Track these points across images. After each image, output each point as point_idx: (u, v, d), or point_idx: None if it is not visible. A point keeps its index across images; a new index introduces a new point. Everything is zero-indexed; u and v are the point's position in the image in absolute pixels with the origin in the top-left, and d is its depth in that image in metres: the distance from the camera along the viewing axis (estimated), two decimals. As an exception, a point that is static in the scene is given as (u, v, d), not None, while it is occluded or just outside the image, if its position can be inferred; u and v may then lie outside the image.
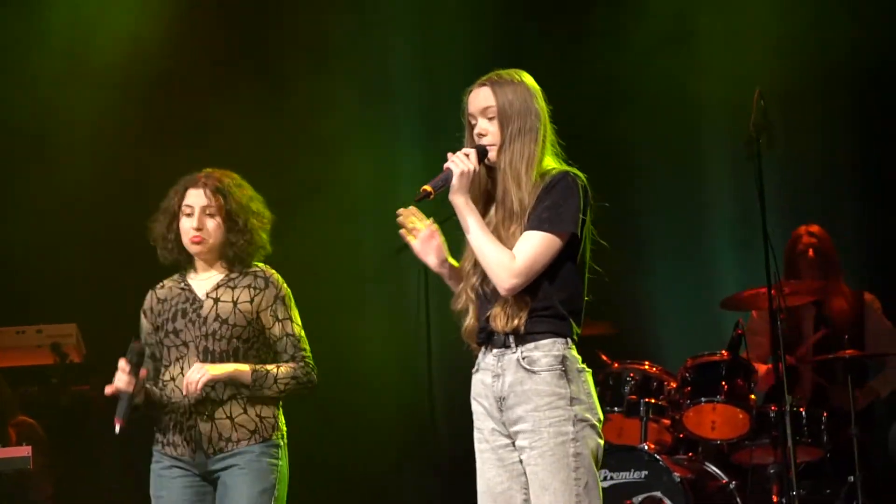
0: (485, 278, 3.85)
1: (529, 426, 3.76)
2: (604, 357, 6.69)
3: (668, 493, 6.04)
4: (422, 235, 3.96)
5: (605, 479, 6.16)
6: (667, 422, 6.47)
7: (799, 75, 7.56)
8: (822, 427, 6.31)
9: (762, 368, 6.48)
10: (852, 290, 6.85)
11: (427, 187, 3.82)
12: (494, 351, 3.84)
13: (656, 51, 7.76)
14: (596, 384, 6.44)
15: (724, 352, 6.40)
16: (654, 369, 6.54)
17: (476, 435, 3.90)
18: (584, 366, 3.84)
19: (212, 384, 4.41)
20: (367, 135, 7.83)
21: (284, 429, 4.57)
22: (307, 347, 4.60)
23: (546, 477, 3.75)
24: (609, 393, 6.51)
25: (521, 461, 3.81)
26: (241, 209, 4.59)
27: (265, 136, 7.64)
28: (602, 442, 3.83)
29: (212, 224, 4.56)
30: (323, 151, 7.66)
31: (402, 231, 3.97)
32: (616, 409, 6.46)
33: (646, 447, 6.21)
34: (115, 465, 6.97)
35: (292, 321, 4.58)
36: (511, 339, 3.80)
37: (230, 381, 4.44)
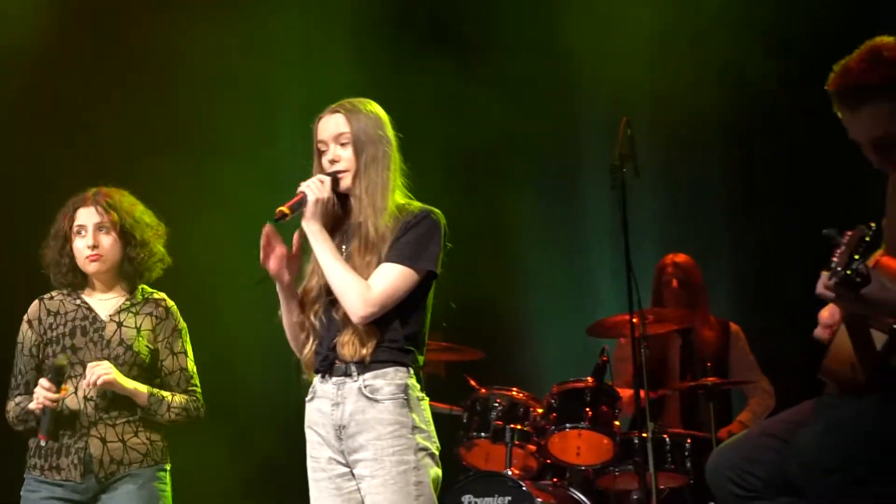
0: (331, 306, 3.90)
1: (371, 455, 3.81)
2: (472, 382, 6.77)
3: (532, 519, 6.13)
4: (276, 255, 3.98)
5: (469, 504, 6.25)
6: (532, 448, 6.54)
7: (671, 103, 7.69)
8: (686, 454, 6.40)
9: (626, 395, 6.58)
10: (718, 319, 6.96)
11: (284, 208, 3.87)
12: (334, 379, 3.89)
13: (534, 75, 7.83)
14: (464, 410, 6.60)
15: (589, 378, 6.48)
16: (522, 395, 6.61)
17: (311, 464, 3.95)
18: (423, 394, 3.90)
19: (110, 389, 4.42)
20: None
21: (168, 455, 4.61)
22: (198, 384, 4.67)
23: None
24: (476, 419, 6.57)
25: (359, 490, 3.85)
26: (135, 223, 4.61)
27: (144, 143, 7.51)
28: (440, 471, 3.88)
29: (107, 241, 4.58)
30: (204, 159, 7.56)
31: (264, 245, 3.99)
32: (483, 434, 6.52)
33: (510, 473, 6.29)
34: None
35: (186, 356, 4.66)
36: (353, 367, 3.85)
37: (126, 397, 4.47)
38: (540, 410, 6.54)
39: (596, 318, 6.79)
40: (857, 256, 3.35)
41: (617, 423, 6.45)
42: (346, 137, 3.92)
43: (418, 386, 3.90)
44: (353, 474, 3.87)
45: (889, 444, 3.51)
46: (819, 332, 3.83)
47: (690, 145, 7.82)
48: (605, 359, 6.54)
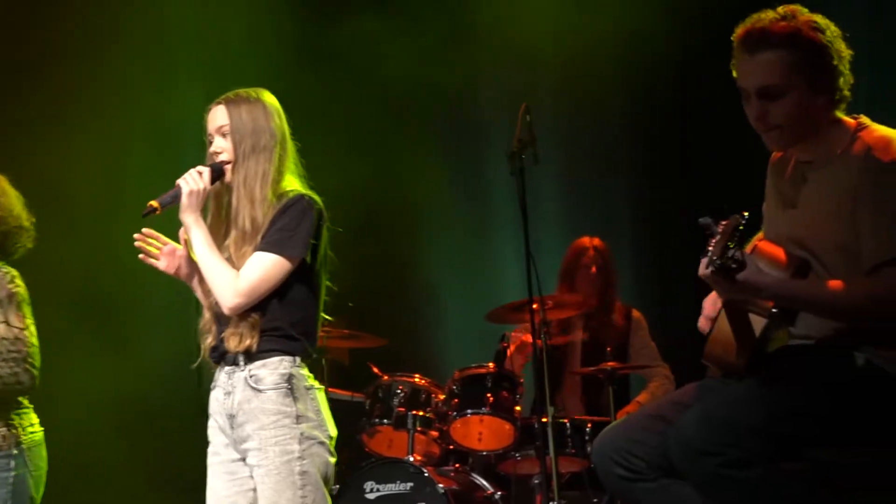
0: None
1: (256, 444, 3.85)
2: (375, 369, 6.80)
3: (432, 504, 6.18)
4: (164, 253, 3.98)
5: (371, 490, 6.27)
6: (435, 434, 6.58)
7: (576, 88, 7.74)
8: (587, 438, 6.46)
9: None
10: (621, 305, 7.03)
11: (154, 203, 3.89)
12: (226, 368, 3.93)
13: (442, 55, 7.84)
14: (366, 397, 6.61)
15: (490, 364, 6.53)
16: (424, 382, 6.65)
17: (209, 448, 4.00)
18: (316, 383, 3.93)
19: None
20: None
21: (24, 436, 4.54)
22: (23, 349, 4.55)
23: (272, 495, 3.84)
24: (378, 405, 6.61)
25: (251, 477, 3.87)
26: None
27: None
28: (333, 459, 3.92)
29: None
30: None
31: (142, 256, 4.00)
32: (385, 421, 6.56)
33: (411, 459, 6.32)
34: None
35: (8, 323, 4.54)
36: (241, 357, 3.87)
37: None
38: (442, 397, 6.59)
39: (500, 303, 6.82)
40: (731, 245, 3.42)
41: (518, 408, 6.50)
42: (225, 129, 3.94)
43: (309, 376, 3.92)
44: (244, 462, 3.90)
45: (762, 427, 3.56)
46: (701, 324, 3.90)
47: (595, 123, 7.88)
48: (505, 345, 6.59)
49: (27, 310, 4.61)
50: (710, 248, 3.46)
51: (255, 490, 3.90)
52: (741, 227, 3.43)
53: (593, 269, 6.94)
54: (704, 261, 3.52)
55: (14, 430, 4.54)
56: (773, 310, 3.69)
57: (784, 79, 3.67)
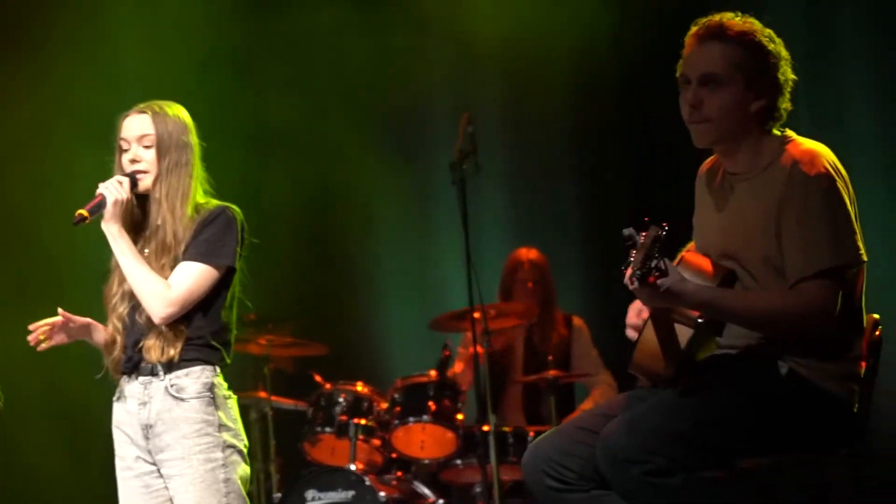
0: (135, 308, 3.93)
1: (178, 454, 3.86)
2: (317, 378, 6.82)
3: (373, 512, 6.21)
4: (56, 332, 4.00)
5: (313, 499, 6.32)
6: (377, 442, 6.62)
7: (522, 96, 7.77)
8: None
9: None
10: (562, 313, 7.07)
11: (83, 212, 3.90)
12: (141, 379, 3.93)
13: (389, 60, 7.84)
14: (308, 405, 6.64)
15: (432, 372, 6.57)
16: (366, 390, 6.69)
17: (118, 463, 3.99)
18: (231, 392, 3.97)
19: None
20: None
21: None
22: None
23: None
24: (321, 413, 6.66)
25: (167, 488, 3.89)
26: None
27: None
28: (248, 468, 3.94)
29: None
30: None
31: (41, 348, 4.01)
32: (327, 429, 6.61)
33: (353, 467, 6.36)
34: None
35: None
36: (159, 367, 3.89)
37: None
38: (384, 405, 6.63)
39: (443, 311, 6.86)
40: (654, 255, 3.47)
41: (460, 416, 6.54)
42: (150, 140, 3.95)
43: (225, 384, 3.96)
44: (160, 473, 3.91)
45: (687, 435, 3.60)
46: (628, 333, 3.93)
47: (540, 131, 7.91)
48: (447, 353, 6.63)
49: None
50: (632, 259, 3.51)
51: (171, 501, 3.91)
52: (662, 238, 3.48)
53: (529, 283, 6.96)
54: (628, 271, 3.56)
55: None
56: (699, 319, 3.75)
57: (726, 71, 3.74)
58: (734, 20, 3.78)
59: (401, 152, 8.08)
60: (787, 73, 3.80)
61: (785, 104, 3.83)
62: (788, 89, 3.83)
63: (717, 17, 3.81)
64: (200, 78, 7.20)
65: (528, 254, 7.05)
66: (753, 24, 3.79)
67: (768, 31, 3.81)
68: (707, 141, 3.86)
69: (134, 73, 7.40)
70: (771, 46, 3.77)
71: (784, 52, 3.81)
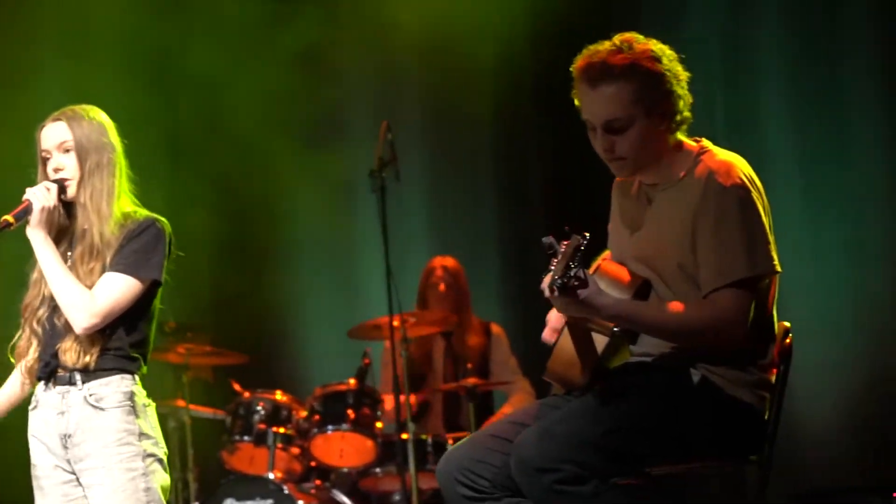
0: (54, 312, 3.90)
1: (99, 463, 3.83)
2: (236, 386, 6.81)
3: (292, 521, 6.20)
4: None
5: (232, 508, 6.30)
6: (296, 450, 6.62)
7: (442, 106, 7.79)
8: (448, 455, 6.50)
9: (389, 403, 6.67)
10: (480, 321, 7.10)
11: (8, 217, 3.87)
12: (58, 388, 3.89)
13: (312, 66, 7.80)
14: (227, 413, 6.61)
15: (351, 381, 6.57)
16: (285, 398, 6.68)
17: (34, 472, 3.94)
18: (150, 401, 3.94)
19: None
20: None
21: None
22: None
23: None
24: (239, 422, 6.65)
25: (86, 497, 3.86)
26: None
27: None
28: (168, 477, 3.92)
29: None
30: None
31: None
32: (246, 437, 6.60)
33: (272, 476, 6.35)
34: None
35: None
36: (77, 375, 3.86)
37: None
38: (303, 413, 6.63)
39: (363, 320, 6.86)
40: (573, 264, 3.49)
41: (379, 424, 6.55)
42: (68, 145, 3.92)
43: (144, 392, 3.93)
44: (79, 482, 3.88)
45: (599, 442, 3.62)
46: (546, 335, 3.95)
47: (460, 141, 7.94)
48: (367, 361, 6.64)
49: None
50: (552, 268, 3.53)
51: None
52: (582, 248, 3.50)
53: (441, 287, 6.98)
54: (547, 279, 3.58)
55: None
56: (615, 329, 3.78)
57: (625, 111, 3.73)
58: (615, 53, 3.73)
59: (321, 159, 8.05)
60: (679, 75, 3.78)
61: (686, 105, 3.81)
62: (685, 88, 3.80)
63: (598, 54, 3.75)
64: (114, 81, 7.13)
65: (442, 260, 7.10)
66: (633, 46, 3.75)
67: (649, 46, 3.77)
68: (627, 174, 3.90)
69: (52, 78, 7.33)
70: (658, 66, 3.74)
71: (669, 56, 3.77)
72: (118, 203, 3.92)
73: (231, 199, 7.46)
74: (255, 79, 7.71)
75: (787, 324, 3.95)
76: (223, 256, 7.36)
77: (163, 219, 3.96)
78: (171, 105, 7.47)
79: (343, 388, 6.56)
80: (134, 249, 3.86)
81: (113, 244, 3.87)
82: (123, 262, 3.85)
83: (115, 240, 3.87)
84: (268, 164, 7.83)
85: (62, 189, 3.90)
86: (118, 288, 3.84)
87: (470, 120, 7.92)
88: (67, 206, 3.95)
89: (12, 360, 4.00)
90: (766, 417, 3.83)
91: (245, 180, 7.62)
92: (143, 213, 3.96)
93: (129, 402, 3.85)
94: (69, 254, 3.92)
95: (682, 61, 3.82)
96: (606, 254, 4.06)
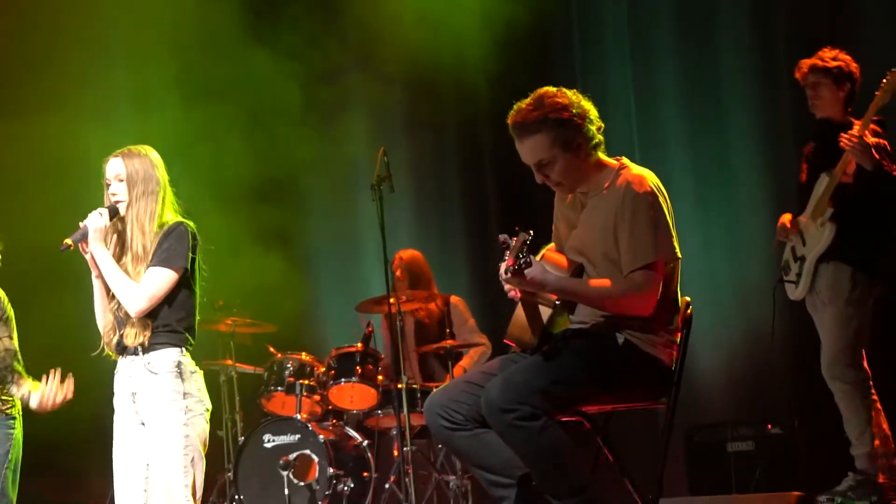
0: (119, 305, 3.94)
1: (153, 413, 3.88)
2: (271, 349, 6.78)
3: (315, 450, 6.18)
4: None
5: (268, 441, 6.27)
6: (317, 397, 6.57)
7: (419, 130, 7.73)
8: (432, 399, 6.46)
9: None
10: (441, 295, 6.94)
11: (67, 241, 3.93)
12: (128, 358, 3.95)
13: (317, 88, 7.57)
14: (264, 370, 6.53)
15: (359, 344, 6.53)
16: (308, 358, 6.63)
17: (115, 417, 3.99)
18: (197, 367, 3.96)
19: None
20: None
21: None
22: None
23: (163, 451, 3.86)
24: (274, 376, 6.61)
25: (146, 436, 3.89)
26: None
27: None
28: (208, 427, 3.93)
29: None
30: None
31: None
32: (279, 388, 6.56)
33: (299, 417, 6.31)
34: None
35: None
36: (139, 349, 3.91)
37: None
38: (322, 369, 6.59)
39: (366, 297, 6.82)
40: (521, 255, 3.48)
41: (380, 377, 6.52)
42: (121, 176, 3.95)
43: (192, 362, 3.95)
44: (143, 424, 3.92)
45: (546, 389, 3.61)
46: (510, 295, 3.90)
47: (435, 157, 7.88)
48: (370, 329, 6.60)
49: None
50: (506, 257, 3.52)
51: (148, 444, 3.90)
52: (528, 241, 3.51)
53: (398, 272, 6.86)
54: (503, 266, 3.57)
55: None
56: (557, 302, 3.76)
57: (547, 153, 3.72)
58: (531, 111, 3.68)
59: (330, 176, 7.96)
60: (587, 111, 3.72)
61: (599, 129, 3.76)
62: (595, 118, 3.75)
63: (520, 113, 3.70)
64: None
65: (401, 252, 6.95)
66: (544, 102, 3.70)
67: (556, 97, 3.69)
68: (566, 193, 3.89)
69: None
70: (565, 113, 3.69)
71: (574, 98, 3.71)
72: (159, 221, 3.93)
73: (270, 209, 7.39)
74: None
75: (688, 298, 3.95)
76: (262, 251, 7.29)
77: (188, 221, 3.97)
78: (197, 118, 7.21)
79: (352, 349, 6.51)
80: (165, 248, 3.89)
81: (152, 249, 3.90)
82: (158, 258, 3.88)
83: (153, 246, 3.91)
84: (299, 198, 7.77)
85: (115, 212, 3.93)
86: (157, 278, 3.87)
87: (439, 144, 7.85)
88: (123, 223, 3.97)
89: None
90: (672, 369, 3.83)
91: (279, 199, 7.52)
92: (176, 218, 3.97)
93: (176, 369, 3.88)
94: (123, 259, 3.95)
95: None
96: (551, 246, 4.05)
